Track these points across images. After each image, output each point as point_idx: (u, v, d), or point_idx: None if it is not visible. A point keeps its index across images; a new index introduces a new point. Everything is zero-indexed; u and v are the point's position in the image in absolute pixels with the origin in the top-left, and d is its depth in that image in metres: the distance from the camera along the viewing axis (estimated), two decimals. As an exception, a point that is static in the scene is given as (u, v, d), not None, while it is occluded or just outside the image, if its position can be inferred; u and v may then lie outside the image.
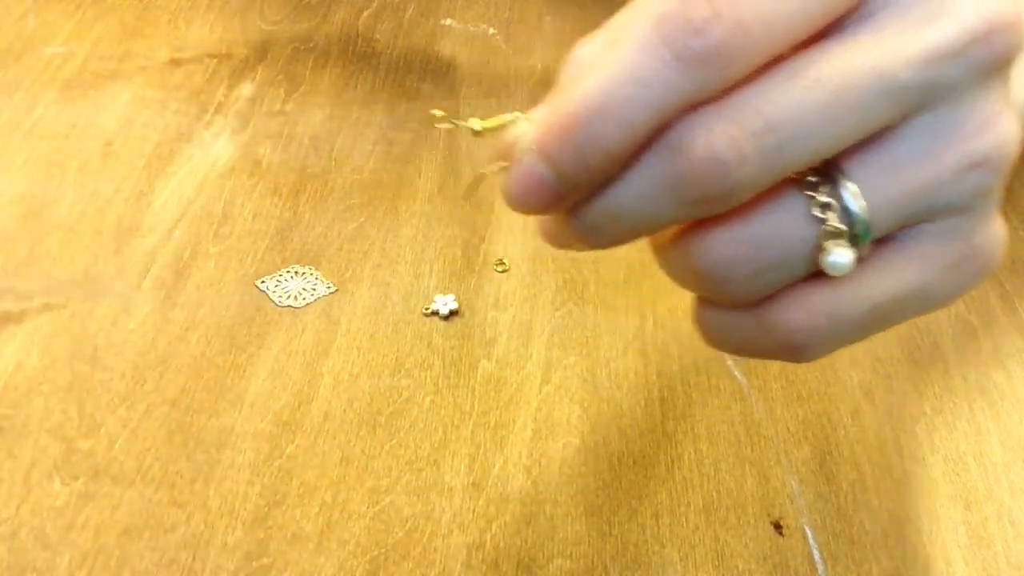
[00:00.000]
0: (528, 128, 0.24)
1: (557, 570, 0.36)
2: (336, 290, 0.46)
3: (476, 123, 0.26)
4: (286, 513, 0.37)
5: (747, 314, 0.26)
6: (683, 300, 0.45)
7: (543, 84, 0.57)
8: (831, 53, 0.24)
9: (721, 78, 0.23)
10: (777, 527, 0.37)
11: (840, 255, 0.24)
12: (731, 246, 0.25)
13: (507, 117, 0.26)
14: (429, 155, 0.52)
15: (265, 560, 0.36)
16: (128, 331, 0.43)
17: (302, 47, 0.61)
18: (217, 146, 0.54)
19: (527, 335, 0.44)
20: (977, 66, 0.24)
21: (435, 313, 0.45)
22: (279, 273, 0.47)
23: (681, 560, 0.36)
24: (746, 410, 0.41)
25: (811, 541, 0.37)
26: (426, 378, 0.42)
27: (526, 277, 0.46)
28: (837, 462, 0.40)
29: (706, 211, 0.24)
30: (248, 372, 0.42)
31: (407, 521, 0.37)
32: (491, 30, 0.61)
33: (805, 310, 0.25)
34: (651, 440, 0.40)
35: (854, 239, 0.25)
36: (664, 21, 0.23)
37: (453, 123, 0.27)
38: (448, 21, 0.62)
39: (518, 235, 0.48)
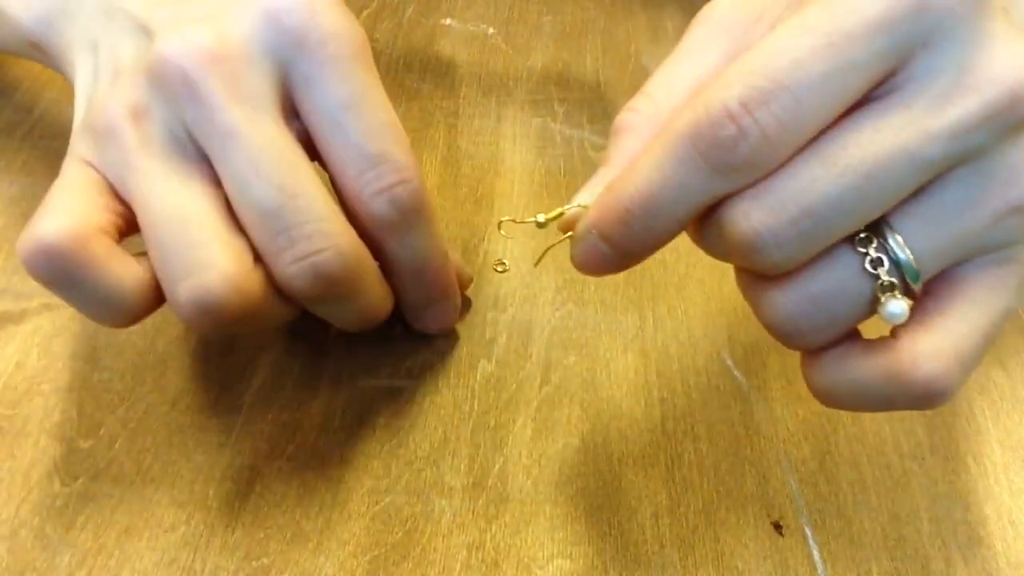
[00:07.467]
0: (583, 212, 0.30)
1: (557, 570, 0.36)
2: (336, 290, 0.46)
3: (541, 216, 0.31)
4: (286, 513, 0.37)
5: (870, 365, 0.27)
6: (683, 300, 0.45)
7: (542, 84, 0.56)
8: (859, 134, 0.25)
9: (753, 177, 0.26)
10: (777, 527, 0.37)
11: (895, 306, 0.26)
12: (790, 304, 0.27)
13: (565, 208, 0.31)
14: (429, 155, 0.52)
15: (265, 560, 0.36)
16: (128, 331, 0.43)
17: (302, 47, 0.61)
18: (217, 146, 0.53)
19: (527, 335, 0.44)
20: (1003, 129, 0.26)
21: (435, 313, 0.45)
22: (279, 273, 0.46)
23: (681, 560, 0.36)
24: (746, 410, 0.41)
25: (811, 541, 0.37)
26: (426, 378, 0.42)
27: (526, 277, 0.46)
28: (837, 462, 0.40)
29: (754, 268, 0.27)
30: (248, 372, 0.42)
31: (407, 521, 0.37)
32: (491, 30, 0.61)
33: (935, 356, 0.27)
34: (651, 440, 0.40)
35: (906, 285, 0.26)
36: (698, 140, 0.26)
37: (519, 222, 0.36)
38: (448, 21, 0.62)
39: (518, 235, 0.48)
